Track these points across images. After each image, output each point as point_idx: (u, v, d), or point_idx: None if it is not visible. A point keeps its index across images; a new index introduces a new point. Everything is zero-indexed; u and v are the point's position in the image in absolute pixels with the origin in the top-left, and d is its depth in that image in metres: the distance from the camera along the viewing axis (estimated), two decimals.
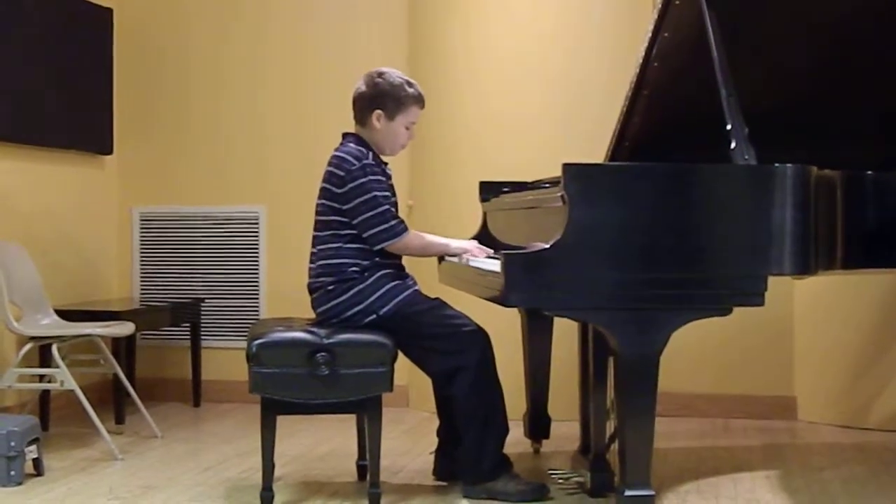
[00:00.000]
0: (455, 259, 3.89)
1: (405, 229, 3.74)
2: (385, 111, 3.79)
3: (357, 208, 3.68)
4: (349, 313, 3.70)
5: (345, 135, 3.87)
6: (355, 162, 3.69)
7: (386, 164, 3.88)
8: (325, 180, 3.76)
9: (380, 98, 3.79)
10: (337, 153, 3.77)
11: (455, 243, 3.89)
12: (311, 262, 3.82)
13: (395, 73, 3.85)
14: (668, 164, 3.22)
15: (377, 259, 3.73)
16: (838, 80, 3.81)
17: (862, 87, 3.84)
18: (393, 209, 3.75)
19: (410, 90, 3.82)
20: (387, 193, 3.75)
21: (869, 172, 3.45)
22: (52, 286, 5.04)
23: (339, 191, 3.70)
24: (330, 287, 3.73)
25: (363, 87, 3.83)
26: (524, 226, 3.88)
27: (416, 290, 3.79)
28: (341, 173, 3.70)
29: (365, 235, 3.70)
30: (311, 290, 3.81)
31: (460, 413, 3.69)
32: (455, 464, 3.82)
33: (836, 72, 3.80)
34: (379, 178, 3.73)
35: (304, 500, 3.74)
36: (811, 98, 3.82)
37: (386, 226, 3.69)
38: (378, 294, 3.70)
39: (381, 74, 3.82)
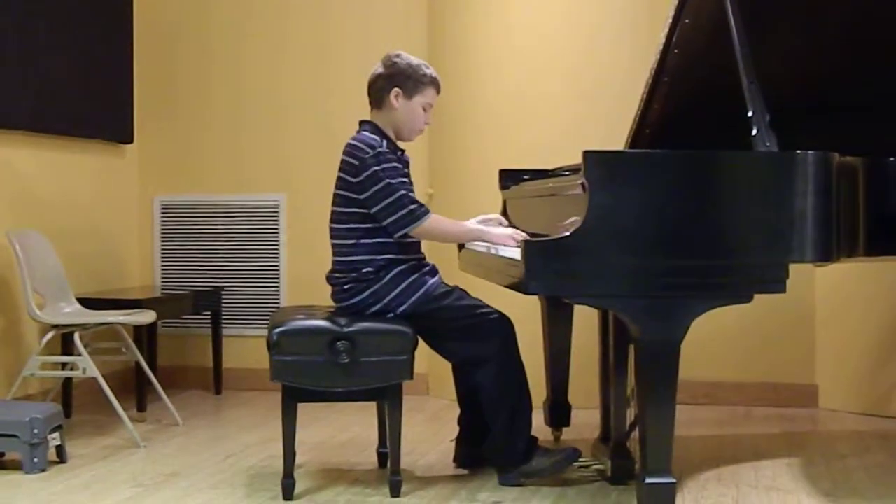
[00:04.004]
0: (479, 246, 3.87)
1: (426, 212, 3.68)
2: (403, 90, 3.76)
3: (374, 197, 3.64)
4: (366, 312, 3.68)
5: (361, 122, 3.84)
6: (368, 150, 3.65)
7: (403, 150, 3.84)
8: (340, 169, 3.73)
9: (398, 77, 3.77)
10: (351, 141, 3.72)
11: (496, 231, 3.73)
12: (332, 252, 3.80)
13: (411, 56, 3.84)
14: (689, 152, 3.20)
15: (392, 256, 3.69)
16: (862, 65, 3.78)
17: (886, 72, 3.80)
18: (411, 194, 3.69)
19: (427, 71, 3.81)
20: (403, 179, 3.70)
21: (892, 159, 3.42)
22: (74, 275, 5.07)
23: (354, 180, 3.67)
24: (346, 286, 3.71)
25: (380, 69, 3.81)
26: (544, 213, 3.86)
27: (432, 284, 3.72)
28: (355, 162, 3.67)
29: (385, 223, 3.65)
30: (329, 282, 3.80)
31: (487, 402, 3.69)
32: (482, 452, 3.80)
33: (859, 57, 3.77)
34: (394, 164, 3.68)
35: (325, 488, 3.75)
36: (834, 84, 3.80)
37: (405, 210, 3.64)
38: (394, 294, 3.67)
39: (397, 55, 3.82)
